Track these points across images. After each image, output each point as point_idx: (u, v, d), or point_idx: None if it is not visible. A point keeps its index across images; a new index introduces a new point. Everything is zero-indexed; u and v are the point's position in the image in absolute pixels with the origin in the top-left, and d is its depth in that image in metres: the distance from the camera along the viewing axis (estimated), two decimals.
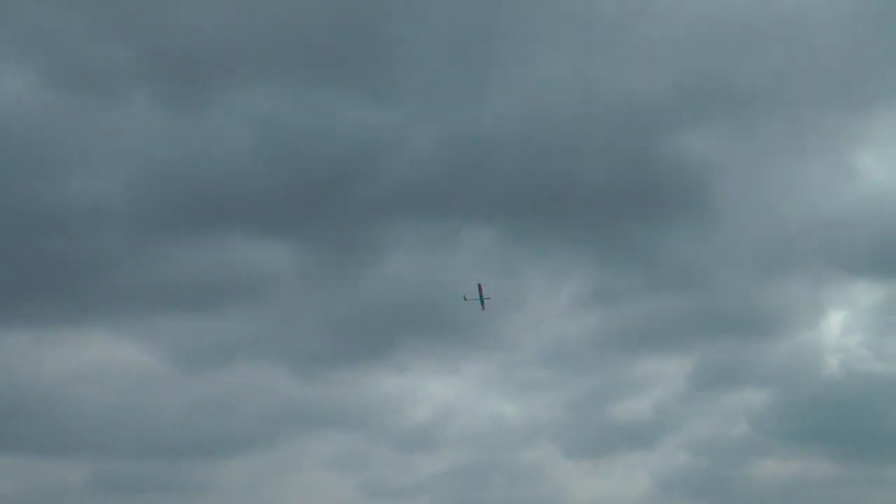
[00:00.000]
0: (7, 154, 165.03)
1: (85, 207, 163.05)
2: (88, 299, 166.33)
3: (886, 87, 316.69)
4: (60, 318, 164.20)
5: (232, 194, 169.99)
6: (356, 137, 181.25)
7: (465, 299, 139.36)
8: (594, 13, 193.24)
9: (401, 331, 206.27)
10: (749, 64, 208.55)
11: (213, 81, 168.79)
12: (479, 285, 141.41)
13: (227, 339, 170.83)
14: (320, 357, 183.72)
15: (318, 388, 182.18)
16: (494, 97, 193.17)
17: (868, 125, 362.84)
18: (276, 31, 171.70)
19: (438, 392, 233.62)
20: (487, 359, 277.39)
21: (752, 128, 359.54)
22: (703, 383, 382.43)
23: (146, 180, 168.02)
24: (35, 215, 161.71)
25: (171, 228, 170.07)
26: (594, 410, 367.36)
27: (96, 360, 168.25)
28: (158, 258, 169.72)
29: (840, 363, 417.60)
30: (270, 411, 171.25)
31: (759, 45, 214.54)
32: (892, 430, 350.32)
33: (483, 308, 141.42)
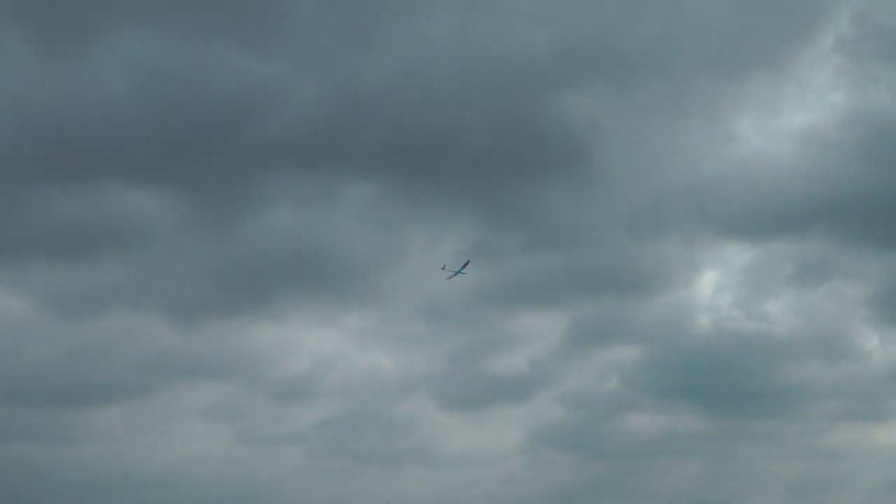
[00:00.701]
0: None
1: None
2: None
3: (764, 54, 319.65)
4: None
5: (109, 140, 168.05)
6: (238, 88, 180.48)
7: (444, 268, 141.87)
8: None
9: (280, 282, 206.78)
10: (632, 28, 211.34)
11: (91, 24, 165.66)
12: (468, 262, 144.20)
13: (102, 286, 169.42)
14: (198, 306, 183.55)
15: (195, 338, 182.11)
16: (378, 52, 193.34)
17: (745, 91, 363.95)
18: None
19: (316, 344, 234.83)
20: (366, 312, 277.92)
21: (634, 91, 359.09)
22: (577, 339, 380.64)
23: (19, 124, 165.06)
24: None
25: (45, 174, 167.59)
26: (471, 364, 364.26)
27: None
28: (32, 204, 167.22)
29: (711, 322, 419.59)
30: (146, 360, 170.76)
31: (642, 9, 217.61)
32: (757, 387, 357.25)
33: (449, 278, 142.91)
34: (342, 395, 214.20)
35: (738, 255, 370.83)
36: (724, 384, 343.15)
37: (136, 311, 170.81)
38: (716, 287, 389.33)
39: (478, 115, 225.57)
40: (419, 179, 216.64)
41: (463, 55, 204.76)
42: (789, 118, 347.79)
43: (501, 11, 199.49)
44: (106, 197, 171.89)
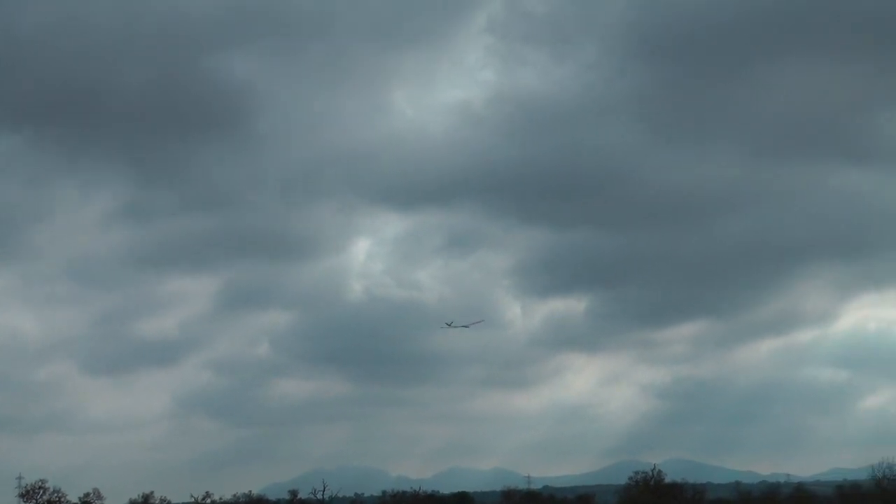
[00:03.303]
0: None
1: None
2: None
3: (421, 29, 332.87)
4: None
5: None
6: None
7: (450, 325, 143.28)
8: None
9: None
10: None
11: None
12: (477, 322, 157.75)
13: None
14: None
15: None
16: (31, 1, 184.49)
17: (401, 64, 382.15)
18: None
19: None
20: (6, 270, 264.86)
21: (294, 55, 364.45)
22: (228, 303, 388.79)
23: None
24: None
25: None
26: (118, 327, 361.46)
27: None
28: None
29: (363, 289, 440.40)
30: None
31: None
32: (405, 353, 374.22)
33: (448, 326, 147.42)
34: None
35: (391, 224, 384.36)
36: (375, 350, 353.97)
37: None
38: (368, 255, 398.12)
39: (136, 70, 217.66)
40: (70, 133, 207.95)
41: (124, 7, 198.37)
42: (442, 92, 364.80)
43: None
44: None
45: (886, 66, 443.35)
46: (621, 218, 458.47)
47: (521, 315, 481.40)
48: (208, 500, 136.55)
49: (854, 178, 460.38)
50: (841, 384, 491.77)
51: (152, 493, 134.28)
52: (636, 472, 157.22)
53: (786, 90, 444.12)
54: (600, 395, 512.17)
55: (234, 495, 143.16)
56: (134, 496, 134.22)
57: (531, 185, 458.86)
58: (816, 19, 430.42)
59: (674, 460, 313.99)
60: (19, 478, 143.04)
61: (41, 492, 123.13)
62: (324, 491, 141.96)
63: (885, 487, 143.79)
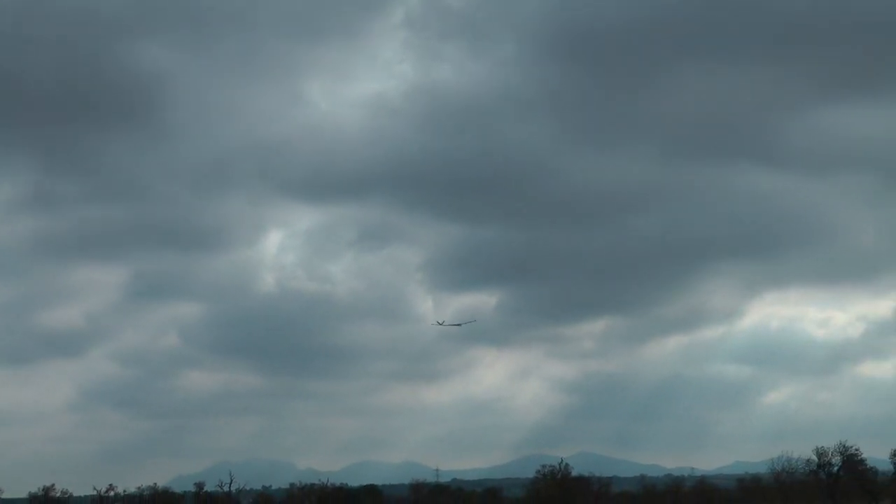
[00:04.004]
0: None
1: None
2: None
3: (337, 21, 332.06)
4: None
5: None
6: None
7: (441, 324, 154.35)
8: None
9: None
10: None
11: None
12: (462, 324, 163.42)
13: None
14: None
15: None
16: None
17: (317, 56, 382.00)
18: None
19: None
20: None
21: (208, 46, 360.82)
22: (136, 294, 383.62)
23: None
24: None
25: None
26: (20, 317, 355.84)
27: None
28: None
29: (274, 281, 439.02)
30: None
31: None
32: (317, 346, 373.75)
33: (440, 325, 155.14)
34: None
35: (303, 217, 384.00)
36: (285, 343, 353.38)
37: None
38: (280, 247, 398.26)
39: (46, 57, 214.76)
40: None
41: None
42: (358, 86, 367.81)
43: None
44: None
45: (795, 71, 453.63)
46: (533, 214, 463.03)
47: (433, 309, 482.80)
48: (112, 493, 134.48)
49: (761, 179, 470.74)
50: (745, 380, 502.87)
51: (53, 485, 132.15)
52: (543, 466, 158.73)
53: (697, 92, 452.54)
54: (510, 389, 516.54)
55: (139, 488, 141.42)
56: (34, 489, 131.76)
57: (445, 180, 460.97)
58: (728, 24, 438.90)
59: (582, 454, 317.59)
60: None
61: None
62: (231, 483, 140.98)
63: (782, 480, 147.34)
